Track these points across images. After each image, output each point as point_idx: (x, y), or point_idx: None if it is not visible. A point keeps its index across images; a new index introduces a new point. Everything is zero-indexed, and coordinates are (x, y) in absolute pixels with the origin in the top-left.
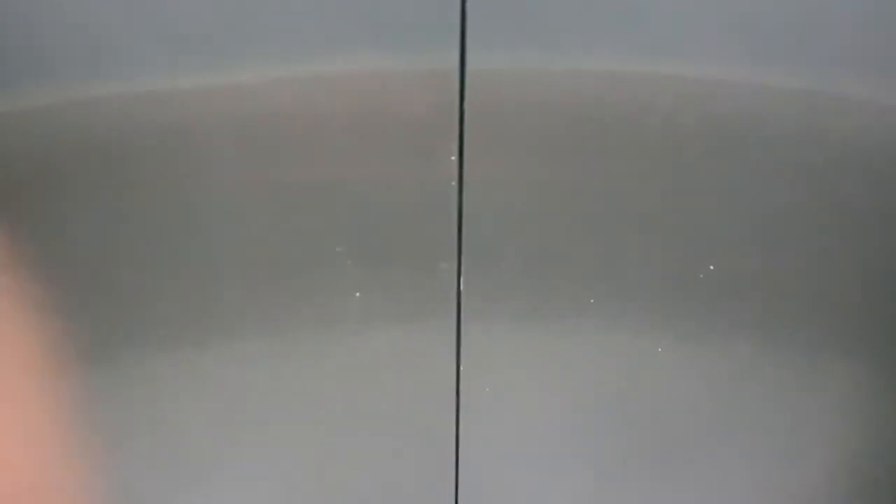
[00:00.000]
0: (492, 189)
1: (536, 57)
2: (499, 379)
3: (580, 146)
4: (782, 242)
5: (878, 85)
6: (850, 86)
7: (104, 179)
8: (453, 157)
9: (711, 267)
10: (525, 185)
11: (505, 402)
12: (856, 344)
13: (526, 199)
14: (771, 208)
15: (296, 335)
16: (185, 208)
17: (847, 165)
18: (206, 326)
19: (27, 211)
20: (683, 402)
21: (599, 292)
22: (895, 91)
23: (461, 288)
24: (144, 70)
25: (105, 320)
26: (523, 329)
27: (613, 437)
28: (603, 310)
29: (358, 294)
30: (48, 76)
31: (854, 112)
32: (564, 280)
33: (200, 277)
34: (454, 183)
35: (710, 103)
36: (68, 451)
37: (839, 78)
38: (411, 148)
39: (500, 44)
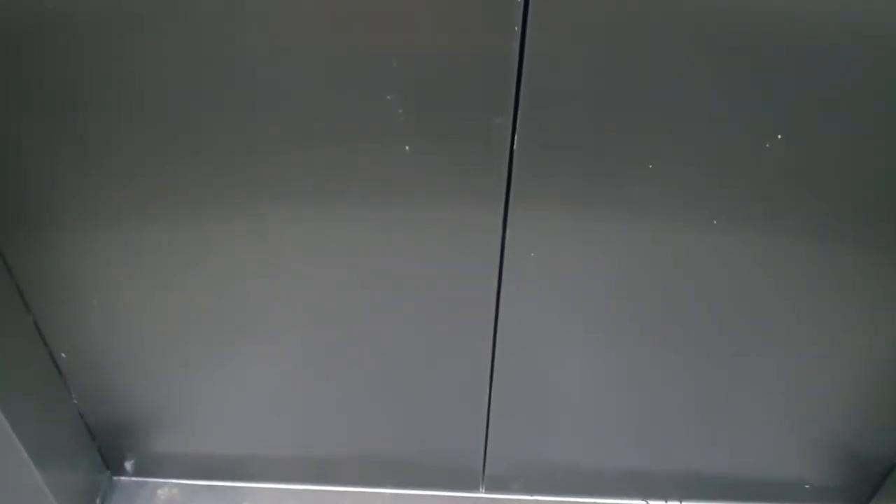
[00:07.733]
0: (555, 40)
1: None
2: (545, 243)
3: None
4: (852, 122)
5: None
6: None
7: (147, 31)
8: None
9: (780, 136)
10: (591, 39)
11: (549, 268)
12: None
13: (590, 54)
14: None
15: (346, 193)
16: (235, 67)
17: None
18: (257, 186)
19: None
20: (730, 279)
21: (659, 157)
22: None
23: (515, 146)
24: None
25: (162, 179)
26: (576, 192)
27: (656, 311)
28: (660, 175)
29: (407, 147)
30: None
31: None
32: (624, 142)
33: (249, 137)
34: (517, 28)
35: None
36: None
37: None
38: None
39: None
